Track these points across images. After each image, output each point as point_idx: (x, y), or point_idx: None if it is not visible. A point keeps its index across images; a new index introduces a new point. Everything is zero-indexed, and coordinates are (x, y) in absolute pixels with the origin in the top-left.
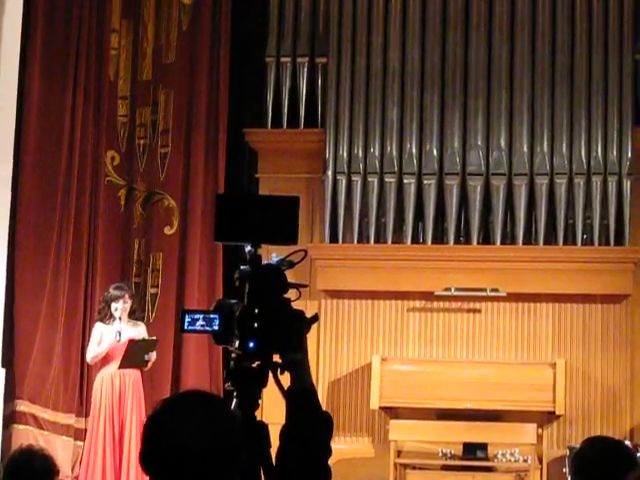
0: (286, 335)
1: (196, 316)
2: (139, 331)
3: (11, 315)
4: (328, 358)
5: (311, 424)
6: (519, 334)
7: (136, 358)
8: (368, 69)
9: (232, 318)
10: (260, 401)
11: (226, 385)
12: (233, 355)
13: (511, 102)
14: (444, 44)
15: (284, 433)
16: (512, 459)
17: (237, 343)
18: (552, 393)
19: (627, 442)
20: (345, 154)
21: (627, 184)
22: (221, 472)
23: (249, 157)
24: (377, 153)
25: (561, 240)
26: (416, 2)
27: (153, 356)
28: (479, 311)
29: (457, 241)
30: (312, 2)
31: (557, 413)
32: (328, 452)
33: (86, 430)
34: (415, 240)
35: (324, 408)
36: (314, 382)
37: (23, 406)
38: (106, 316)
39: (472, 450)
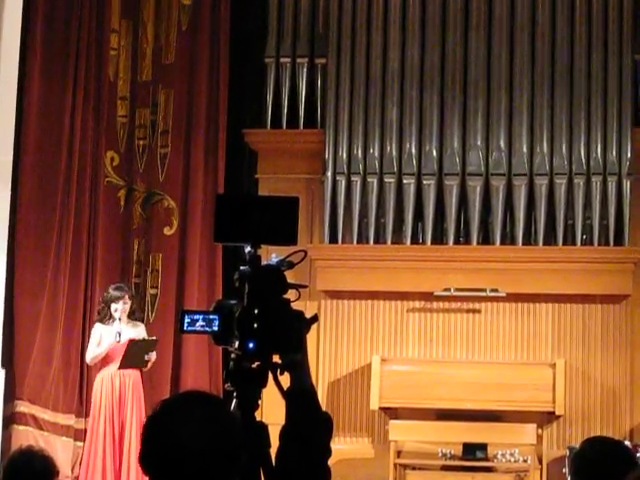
0: (286, 336)
1: (196, 317)
2: (139, 332)
3: (11, 316)
4: (328, 358)
5: (311, 424)
6: (519, 334)
7: (136, 358)
8: (368, 69)
9: (232, 319)
10: (260, 401)
11: (226, 386)
12: (233, 356)
13: (511, 102)
14: (444, 44)
15: (284, 433)
16: (512, 459)
17: (237, 344)
18: (552, 393)
19: (627, 442)
20: (345, 154)
21: (627, 184)
22: (221, 472)
23: (249, 157)
24: (377, 154)
25: (561, 240)
26: (416, 2)
27: (153, 356)
28: (479, 311)
29: (457, 241)
30: (311, 2)
31: (557, 413)
32: (328, 452)
33: (86, 431)
34: (415, 240)
35: (324, 408)
36: (314, 382)
37: (23, 407)
38: (105, 317)
39: (472, 450)
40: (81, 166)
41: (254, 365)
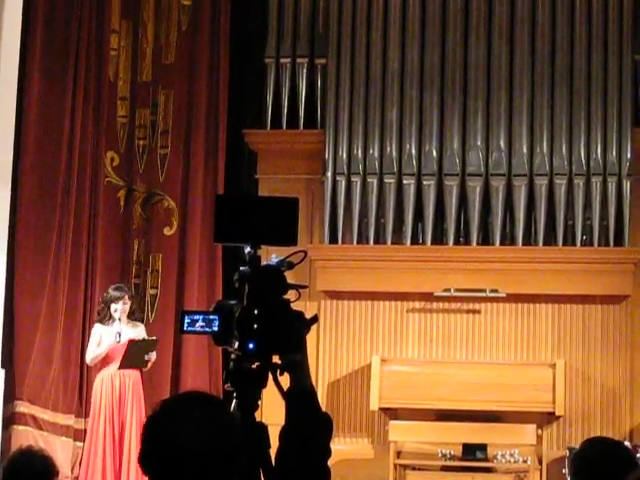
0: (286, 336)
1: (196, 317)
2: (138, 332)
3: (11, 316)
4: (328, 359)
5: (311, 425)
6: (519, 335)
7: (136, 358)
8: (367, 70)
9: (232, 319)
10: (260, 402)
11: (226, 386)
12: (233, 356)
13: (511, 103)
14: (444, 45)
15: (284, 434)
16: (512, 460)
17: (237, 344)
18: (552, 394)
19: (627, 443)
20: (345, 155)
21: (627, 185)
22: (221, 473)
23: (248, 158)
24: (376, 154)
25: (561, 241)
26: (416, 3)
27: (153, 356)
28: (479, 312)
29: (457, 242)
30: (311, 3)
31: (557, 414)
32: (328, 453)
33: (86, 431)
34: (415, 241)
35: (324, 409)
36: (314, 383)
37: (23, 407)
38: (105, 317)
39: (472, 451)
40: (81, 166)
41: (254, 365)
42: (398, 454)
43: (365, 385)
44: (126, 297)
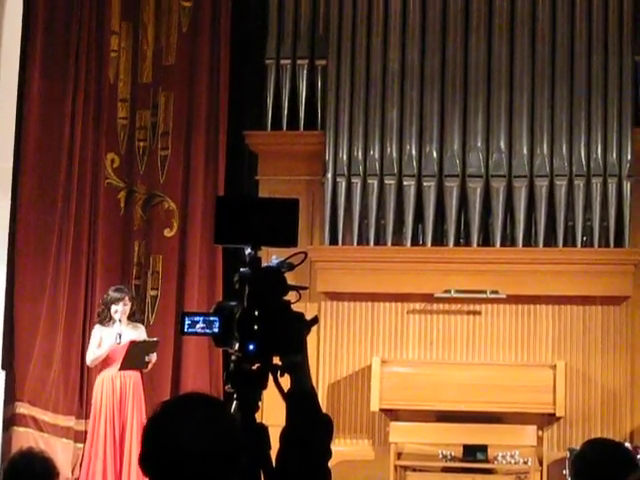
0: (286, 337)
1: (196, 318)
2: (139, 333)
3: (11, 317)
4: (328, 360)
5: (311, 426)
6: (519, 336)
7: (137, 360)
8: (368, 71)
9: (232, 320)
10: (260, 403)
11: (226, 387)
12: (233, 357)
13: (511, 104)
14: (444, 46)
15: (284, 435)
16: (512, 461)
17: (237, 345)
18: (552, 395)
19: (627, 444)
20: (345, 156)
21: (627, 186)
22: (221, 474)
23: (249, 159)
24: (377, 155)
25: (561, 242)
26: (416, 4)
27: (154, 357)
28: (479, 313)
29: (457, 243)
30: (312, 4)
31: (557, 415)
32: (328, 454)
33: (86, 432)
34: (415, 242)
35: (324, 410)
36: (314, 384)
37: (23, 408)
38: (105, 318)
39: (472, 452)
40: (81, 168)
41: (254, 367)
42: (399, 455)
43: (365, 386)
44: (126, 298)
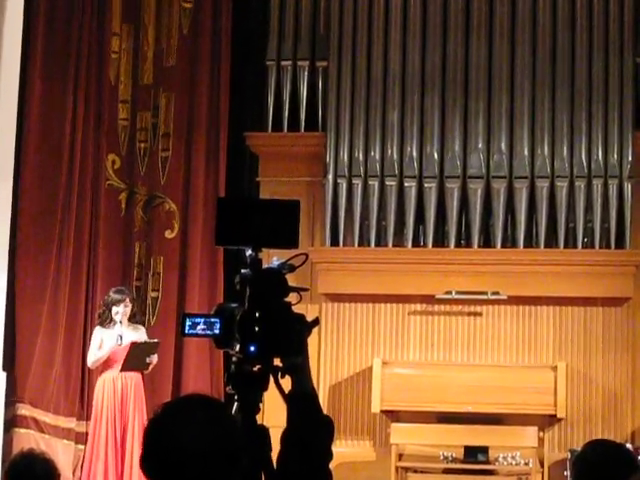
0: (287, 339)
1: (197, 320)
2: (140, 335)
3: (12, 319)
4: (329, 362)
5: (312, 428)
6: (520, 337)
7: (138, 361)
8: (369, 72)
9: (233, 322)
10: (261, 405)
11: (227, 389)
12: (234, 359)
13: (512, 105)
14: (445, 47)
15: (285, 437)
16: (513, 462)
17: (238, 347)
18: (553, 396)
19: (628, 445)
20: (346, 157)
21: (628, 187)
22: (222, 475)
23: (250, 161)
24: (378, 156)
25: (562, 243)
26: (416, 5)
27: (155, 359)
28: (480, 314)
29: (458, 244)
30: (313, 5)
31: (558, 416)
32: (329, 456)
33: (87, 434)
34: (416, 243)
35: (325, 412)
36: (315, 386)
37: (24, 410)
38: (106, 320)
39: (473, 453)
40: (82, 169)
41: (255, 368)
42: (400, 457)
43: (366, 388)
44: (127, 300)
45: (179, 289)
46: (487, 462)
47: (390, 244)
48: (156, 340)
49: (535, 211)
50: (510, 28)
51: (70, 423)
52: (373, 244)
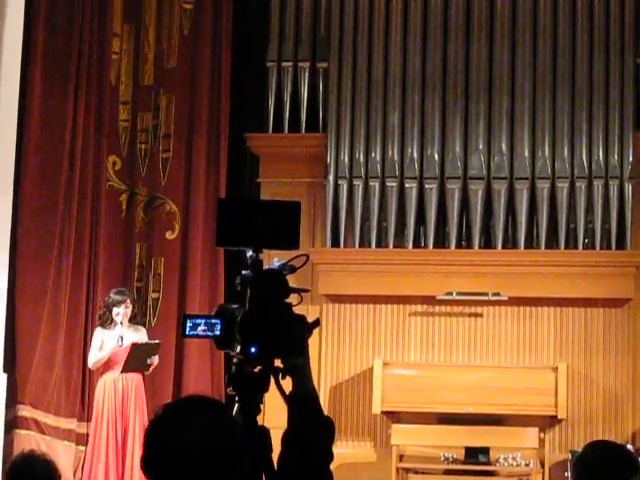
0: (288, 340)
1: (198, 321)
2: (140, 336)
3: (13, 320)
4: (330, 363)
5: (313, 429)
6: (521, 338)
7: (139, 362)
8: (369, 73)
9: (234, 323)
10: (262, 406)
11: (228, 390)
12: (235, 360)
13: (512, 106)
14: (445, 48)
15: (286, 438)
16: (514, 463)
17: (239, 348)
18: (554, 397)
19: (629, 446)
20: (346, 158)
21: (628, 188)
22: (223, 476)
23: (250, 162)
24: (378, 157)
25: (562, 244)
26: (417, 7)
27: (155, 360)
28: (481, 315)
29: (459, 245)
30: (313, 6)
31: (559, 417)
32: (330, 457)
33: (88, 435)
34: (417, 244)
35: (326, 413)
36: (316, 387)
37: (25, 411)
38: (107, 321)
39: (474, 454)
40: (83, 171)
41: (256, 369)
42: (400, 458)
43: (367, 389)
44: (128, 301)
45: (180, 290)
46: (488, 463)
47: (391, 245)
48: (157, 341)
49: (536, 212)
50: (510, 29)
51: (71, 424)
52: (374, 245)
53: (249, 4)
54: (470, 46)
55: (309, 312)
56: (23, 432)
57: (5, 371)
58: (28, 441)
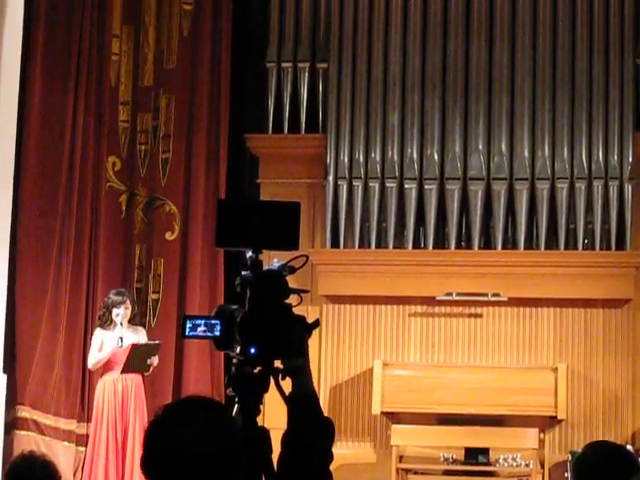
0: (287, 341)
1: (197, 322)
2: (140, 336)
3: (13, 321)
4: (329, 363)
5: (312, 430)
6: (520, 339)
7: (139, 362)
8: (369, 74)
9: (233, 324)
10: (261, 407)
11: (228, 391)
12: (234, 361)
13: (512, 107)
14: (445, 49)
15: (285, 439)
16: (514, 464)
17: (238, 349)
18: (554, 398)
19: (629, 447)
20: (346, 159)
21: (628, 188)
22: (222, 476)
23: (250, 162)
24: (378, 158)
25: (562, 245)
26: (417, 7)
27: (155, 360)
28: (480, 316)
29: (458, 246)
30: (313, 7)
31: (559, 418)
32: (329, 458)
33: (88, 436)
34: (416, 245)
35: (325, 413)
36: (315, 387)
37: (25, 412)
38: (107, 322)
39: (474, 455)
40: (83, 171)
41: (256, 370)
42: (400, 458)
43: (367, 389)
44: (127, 302)
45: (179, 291)
46: (488, 464)
47: (390, 246)
48: (157, 342)
49: (535, 213)
50: (510, 29)
51: (71, 425)
52: (373, 246)
53: (249, 5)
54: (470, 46)
55: (309, 313)
56: (23, 433)
57: (5, 372)
58: (28, 442)
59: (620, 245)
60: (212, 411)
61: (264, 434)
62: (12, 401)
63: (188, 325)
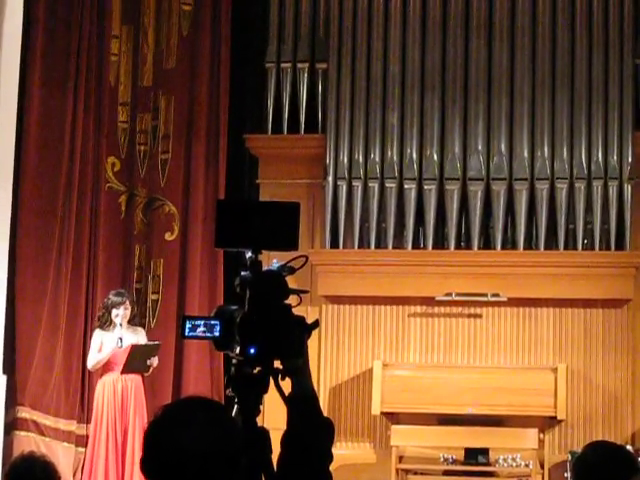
0: (287, 341)
1: (197, 322)
2: (139, 337)
3: (12, 322)
4: (329, 364)
5: (312, 430)
6: (520, 339)
7: (138, 363)
8: (368, 74)
9: (233, 324)
10: (261, 407)
11: (227, 391)
12: (234, 361)
13: (511, 107)
14: (444, 49)
15: (285, 439)
16: (514, 464)
17: (238, 349)
18: (553, 398)
19: (629, 447)
20: (346, 159)
21: (628, 189)
22: (222, 476)
23: (250, 163)
24: (377, 158)
25: (562, 245)
26: (416, 7)
27: (155, 361)
28: (480, 316)
29: (458, 246)
30: (312, 7)
31: (558, 418)
32: (329, 458)
33: (87, 436)
34: (416, 245)
35: (325, 414)
36: (315, 388)
37: (24, 413)
38: (106, 323)
39: (473, 455)
40: (82, 172)
41: (255, 371)
42: (400, 459)
43: (367, 390)
44: (127, 302)
45: (179, 291)
46: (487, 464)
47: (390, 246)
48: (156, 342)
49: (535, 213)
50: (510, 30)
51: (70, 426)
52: (373, 246)
53: (248, 5)
54: (469, 47)
55: (308, 313)
56: (23, 434)
57: (5, 372)
58: (28, 443)
59: (620, 245)
60: (212, 411)
61: (264, 434)
62: (12, 402)
63: (188, 325)
